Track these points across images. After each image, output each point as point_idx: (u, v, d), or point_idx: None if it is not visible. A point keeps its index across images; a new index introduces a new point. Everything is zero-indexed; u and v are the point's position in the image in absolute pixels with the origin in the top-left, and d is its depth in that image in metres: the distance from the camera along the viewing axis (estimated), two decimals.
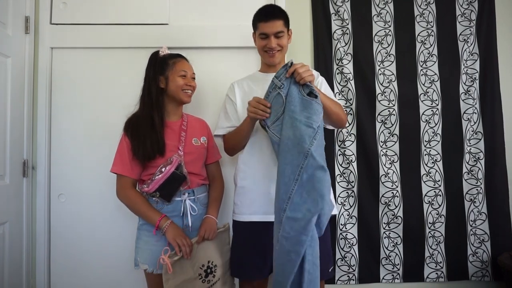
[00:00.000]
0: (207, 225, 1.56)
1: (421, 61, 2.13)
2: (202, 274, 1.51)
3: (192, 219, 1.57)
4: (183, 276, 1.46)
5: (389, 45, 2.13)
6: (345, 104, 2.10)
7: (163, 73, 1.60)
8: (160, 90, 1.60)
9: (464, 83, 2.13)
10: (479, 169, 2.11)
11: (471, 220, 2.10)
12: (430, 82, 2.13)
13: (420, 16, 2.15)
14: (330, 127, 1.67)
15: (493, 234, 2.09)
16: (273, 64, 1.62)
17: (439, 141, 2.11)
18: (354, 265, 2.07)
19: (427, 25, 2.14)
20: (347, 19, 2.11)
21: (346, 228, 2.07)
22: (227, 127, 1.63)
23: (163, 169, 1.50)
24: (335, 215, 1.82)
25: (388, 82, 2.12)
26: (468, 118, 2.11)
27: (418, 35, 2.14)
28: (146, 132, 1.52)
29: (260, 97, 1.44)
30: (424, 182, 2.10)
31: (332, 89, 2.09)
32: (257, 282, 1.59)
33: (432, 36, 2.14)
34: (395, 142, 2.10)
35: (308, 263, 1.30)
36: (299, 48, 2.12)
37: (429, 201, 2.10)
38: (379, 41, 2.13)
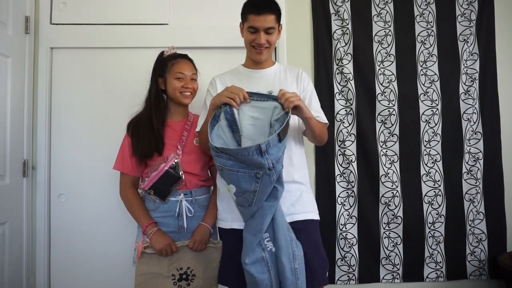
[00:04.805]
0: (197, 235, 1.53)
1: (421, 61, 2.13)
2: (175, 275, 1.50)
3: (188, 220, 1.55)
4: (155, 268, 1.49)
5: (389, 45, 2.13)
6: (345, 104, 2.10)
7: (162, 74, 1.62)
8: (161, 91, 1.63)
9: (464, 83, 2.13)
10: (478, 169, 2.11)
11: (470, 220, 2.10)
12: (430, 82, 2.13)
13: (420, 16, 2.15)
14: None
15: (490, 234, 2.10)
16: (259, 61, 1.52)
17: (439, 141, 2.11)
18: (354, 265, 2.07)
19: (427, 25, 2.14)
20: (347, 19, 2.11)
21: (346, 228, 2.07)
22: None
23: (158, 167, 1.51)
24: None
25: (388, 82, 2.12)
26: (468, 118, 2.12)
27: (418, 35, 2.14)
28: (145, 131, 1.55)
29: None
30: (424, 182, 2.11)
31: (332, 89, 2.10)
32: None
33: (432, 36, 2.14)
34: (395, 142, 2.11)
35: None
36: (299, 48, 2.12)
37: (429, 201, 2.10)
38: (379, 41, 2.13)
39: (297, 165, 1.47)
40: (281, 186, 1.31)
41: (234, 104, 1.30)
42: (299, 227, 1.39)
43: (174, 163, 1.52)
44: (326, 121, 1.54)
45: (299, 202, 1.43)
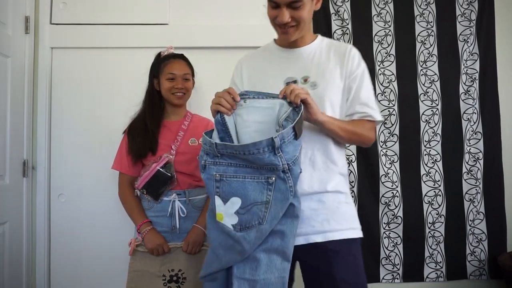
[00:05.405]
0: (191, 237, 1.52)
1: (421, 61, 2.13)
2: (166, 276, 1.49)
3: (182, 221, 1.55)
4: (148, 267, 1.49)
5: (389, 45, 2.13)
6: None
7: (157, 75, 1.63)
8: (156, 92, 1.63)
9: (464, 83, 2.13)
10: (478, 169, 2.11)
11: (470, 220, 2.10)
12: (430, 82, 2.13)
13: (420, 16, 2.15)
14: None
15: (490, 234, 2.10)
16: (287, 41, 1.17)
17: (439, 141, 2.11)
18: None
19: (427, 25, 2.14)
20: (347, 19, 2.11)
21: None
22: None
23: (150, 167, 1.53)
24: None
25: (388, 82, 2.12)
26: (468, 118, 2.12)
27: (418, 35, 2.14)
28: (140, 132, 1.57)
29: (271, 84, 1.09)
30: (424, 182, 2.11)
31: None
32: None
33: (432, 36, 2.14)
34: (395, 142, 2.11)
35: None
36: None
37: (429, 201, 2.10)
38: (379, 41, 2.13)
39: (334, 170, 1.16)
40: (297, 202, 1.04)
41: (222, 109, 1.05)
42: (336, 248, 1.11)
43: (166, 162, 1.53)
44: (374, 118, 1.17)
45: (334, 217, 1.13)
